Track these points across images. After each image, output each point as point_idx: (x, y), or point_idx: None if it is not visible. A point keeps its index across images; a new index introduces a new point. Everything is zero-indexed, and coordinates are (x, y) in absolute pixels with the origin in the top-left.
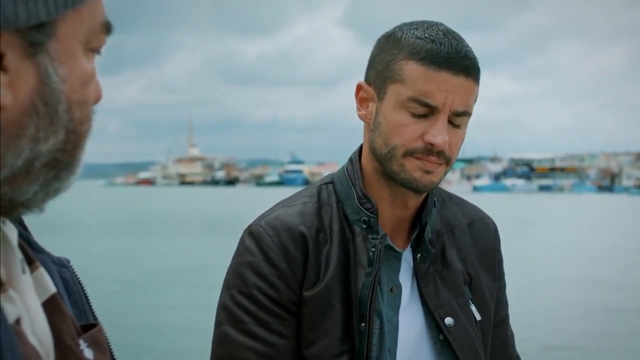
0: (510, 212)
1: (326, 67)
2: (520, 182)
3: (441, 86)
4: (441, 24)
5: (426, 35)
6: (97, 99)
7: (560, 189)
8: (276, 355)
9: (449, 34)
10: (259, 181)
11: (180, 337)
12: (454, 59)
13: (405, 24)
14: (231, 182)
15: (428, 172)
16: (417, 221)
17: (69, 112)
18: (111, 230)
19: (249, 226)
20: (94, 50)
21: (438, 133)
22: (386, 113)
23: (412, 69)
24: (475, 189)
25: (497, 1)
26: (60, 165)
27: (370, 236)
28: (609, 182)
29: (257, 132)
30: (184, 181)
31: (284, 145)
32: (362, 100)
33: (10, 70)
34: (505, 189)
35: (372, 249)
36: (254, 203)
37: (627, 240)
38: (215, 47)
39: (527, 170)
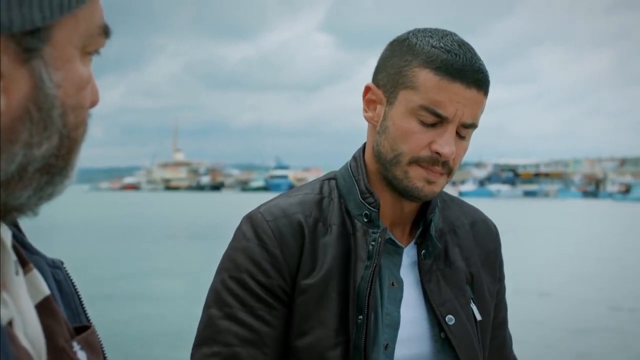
0: (495, 218)
1: (309, 71)
2: (505, 188)
3: (453, 97)
4: (455, 34)
5: (441, 44)
6: (94, 103)
7: (545, 195)
8: (259, 342)
9: (464, 45)
10: (244, 186)
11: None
12: (468, 71)
13: (419, 30)
14: (216, 187)
15: (430, 183)
16: (420, 218)
17: (64, 117)
18: (95, 235)
19: (248, 213)
20: (92, 53)
21: (446, 143)
22: (395, 118)
23: (426, 77)
24: (461, 194)
25: (478, 6)
26: (53, 170)
27: (370, 230)
28: (593, 188)
29: (242, 137)
30: (169, 186)
31: (269, 150)
32: (369, 102)
33: (4, 75)
34: (490, 195)
35: (372, 243)
36: (240, 208)
37: (610, 249)
38: (196, 52)
39: (512, 175)
